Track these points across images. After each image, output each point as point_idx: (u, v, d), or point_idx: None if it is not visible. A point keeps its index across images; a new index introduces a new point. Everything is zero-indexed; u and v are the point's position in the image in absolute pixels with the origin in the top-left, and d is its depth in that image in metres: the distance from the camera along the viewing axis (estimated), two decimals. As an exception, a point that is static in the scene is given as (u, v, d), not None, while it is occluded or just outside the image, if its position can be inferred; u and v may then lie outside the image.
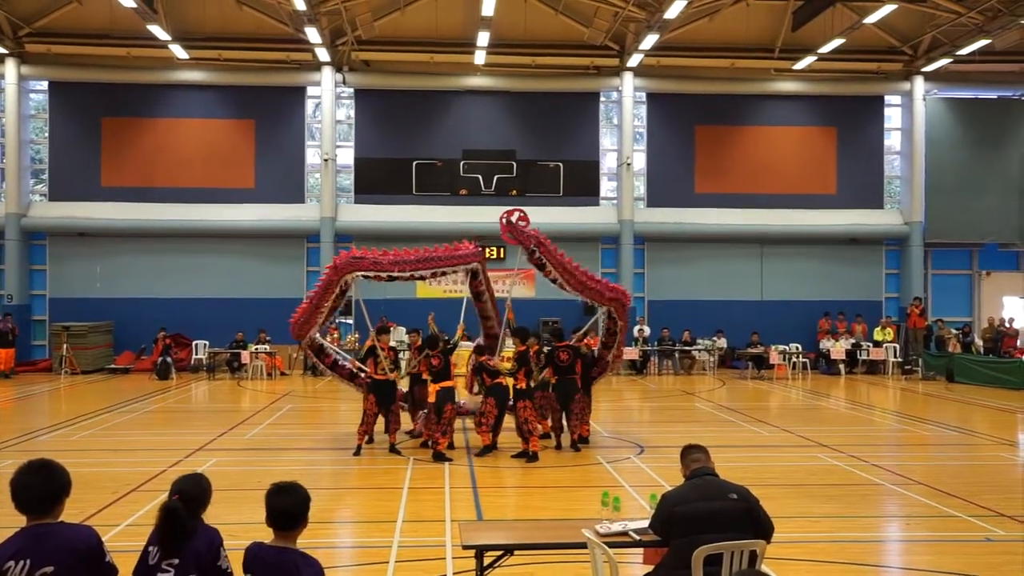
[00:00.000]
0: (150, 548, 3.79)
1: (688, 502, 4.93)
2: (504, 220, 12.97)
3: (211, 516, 4.08)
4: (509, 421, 12.63)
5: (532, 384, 12.32)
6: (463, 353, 16.12)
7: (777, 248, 27.24)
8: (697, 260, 27.15)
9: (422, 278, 13.20)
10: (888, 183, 28.13)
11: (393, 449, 12.28)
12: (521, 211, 13.01)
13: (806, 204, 26.99)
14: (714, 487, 5.02)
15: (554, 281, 13.24)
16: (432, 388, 12.27)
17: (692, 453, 5.30)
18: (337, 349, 14.32)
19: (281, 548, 3.85)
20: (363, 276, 12.56)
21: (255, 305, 25.53)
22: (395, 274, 12.49)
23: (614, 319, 13.59)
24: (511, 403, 12.35)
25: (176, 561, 3.73)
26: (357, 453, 12.07)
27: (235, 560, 3.89)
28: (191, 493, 3.89)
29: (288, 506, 3.87)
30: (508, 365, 12.49)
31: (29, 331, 25.61)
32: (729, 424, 15.50)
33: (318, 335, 13.72)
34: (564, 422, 12.85)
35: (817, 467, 11.48)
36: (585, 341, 13.95)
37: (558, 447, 12.64)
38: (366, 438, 12.33)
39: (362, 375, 13.13)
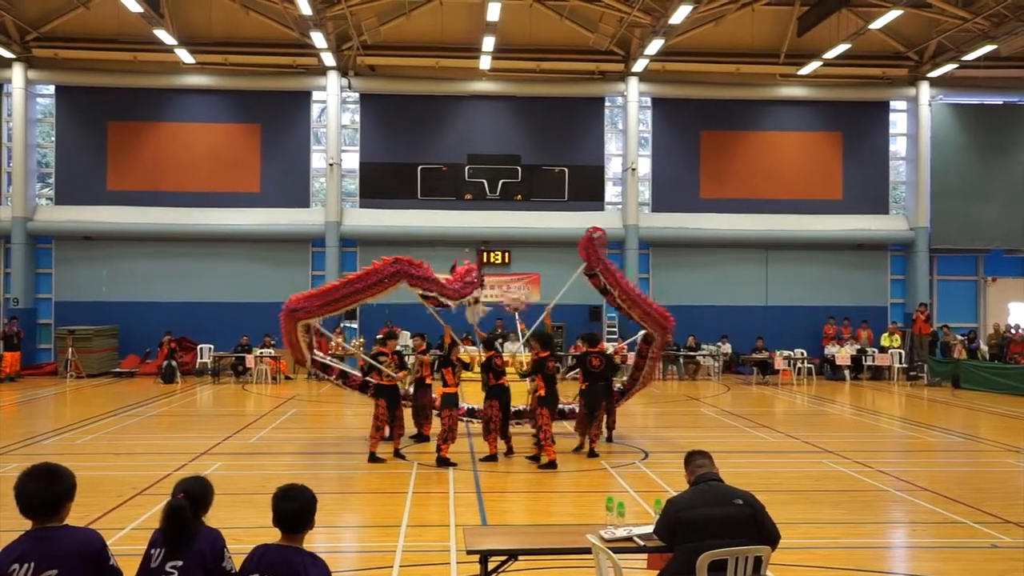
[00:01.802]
0: (152, 551, 3.80)
1: (693, 507, 4.92)
2: (588, 235, 13.11)
3: (216, 519, 4.08)
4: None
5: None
6: (478, 356, 16.16)
7: (782, 253, 27.20)
8: (702, 265, 27.12)
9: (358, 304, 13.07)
10: (894, 188, 28.09)
11: (397, 454, 12.27)
12: (602, 231, 13.20)
13: (811, 209, 26.97)
14: (720, 493, 5.01)
15: (617, 306, 13.56)
16: (438, 391, 12.34)
17: (696, 459, 5.29)
18: (339, 362, 14.46)
19: (289, 548, 3.86)
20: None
21: (260, 309, 25.51)
22: (331, 314, 12.80)
23: (648, 342, 13.81)
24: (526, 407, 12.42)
25: (180, 563, 3.74)
26: (373, 460, 11.95)
27: (239, 563, 3.89)
28: (195, 493, 3.90)
29: (295, 509, 3.90)
30: (524, 368, 12.54)
31: (35, 335, 25.67)
32: (734, 430, 15.48)
33: (319, 354, 13.88)
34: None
35: (822, 473, 11.46)
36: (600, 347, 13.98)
37: (579, 449, 12.69)
38: (378, 444, 12.26)
39: (370, 383, 13.15)
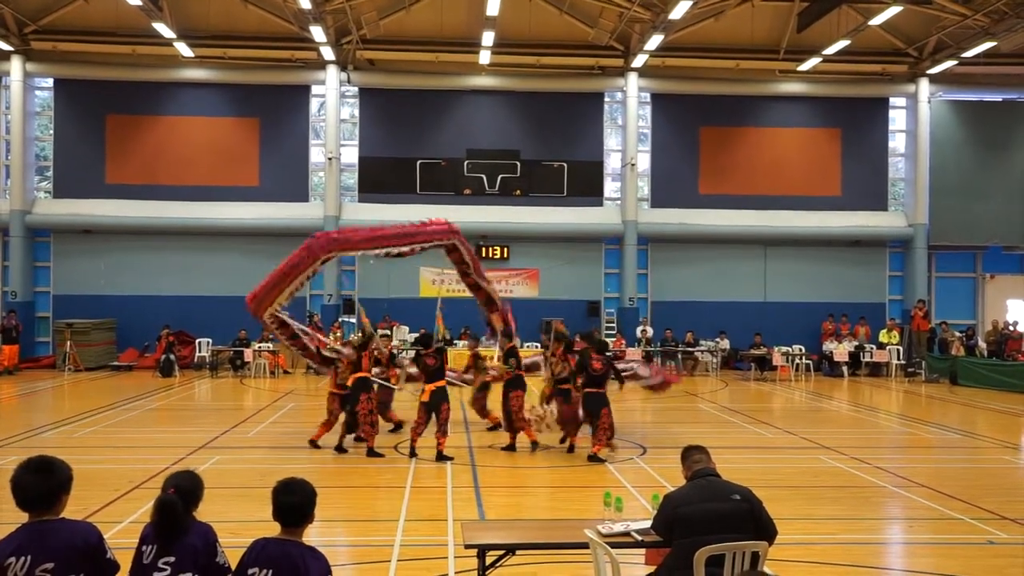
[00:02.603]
0: (144, 547, 3.78)
1: (691, 503, 4.92)
2: (669, 382, 14.78)
3: (214, 513, 4.08)
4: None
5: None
6: (463, 353, 16.27)
7: (781, 249, 27.20)
8: (701, 261, 27.11)
9: (400, 255, 13.32)
10: (892, 185, 28.08)
11: (340, 448, 12.31)
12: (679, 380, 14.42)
13: (810, 206, 26.95)
14: (717, 488, 5.00)
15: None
16: (427, 388, 11.99)
17: (693, 454, 5.28)
18: (299, 325, 14.33)
19: (289, 542, 3.86)
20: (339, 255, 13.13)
21: (258, 303, 25.50)
22: (368, 252, 12.96)
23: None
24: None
25: (172, 559, 3.73)
26: (372, 455, 12.03)
27: (235, 557, 3.89)
28: (185, 487, 3.89)
29: (295, 503, 3.89)
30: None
31: (33, 328, 25.64)
32: (732, 425, 15.49)
33: (283, 312, 13.59)
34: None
35: (820, 469, 11.47)
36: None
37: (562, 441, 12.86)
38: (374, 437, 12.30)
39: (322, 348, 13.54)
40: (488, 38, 23.39)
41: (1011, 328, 25.21)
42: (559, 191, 26.47)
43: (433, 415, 11.83)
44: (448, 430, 11.89)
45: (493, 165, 26.40)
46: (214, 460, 11.47)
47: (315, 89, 26.54)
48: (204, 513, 3.98)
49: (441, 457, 11.62)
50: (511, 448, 12.43)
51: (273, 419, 15.62)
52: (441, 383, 12.00)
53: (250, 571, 3.78)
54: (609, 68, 26.49)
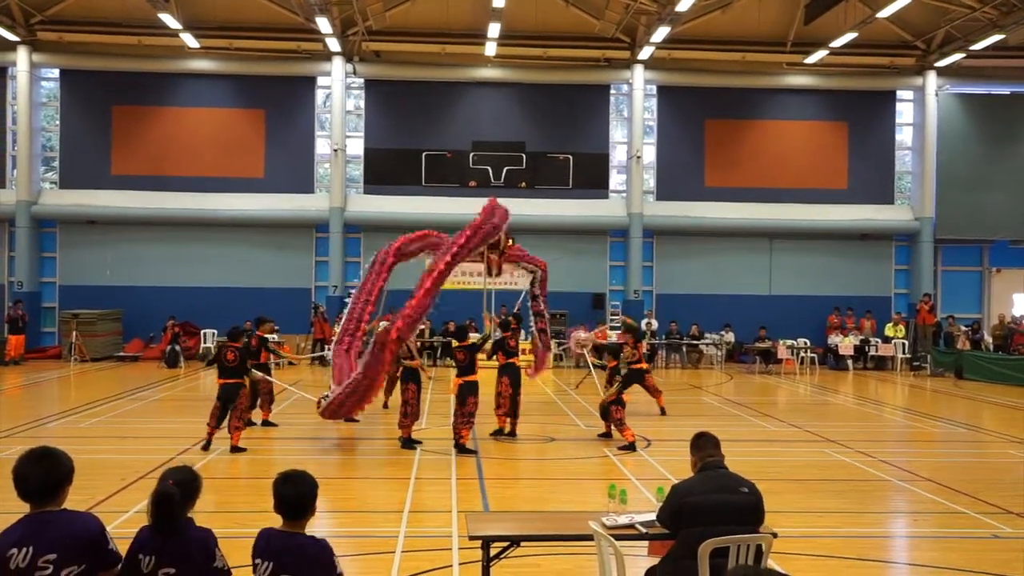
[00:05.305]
0: (141, 556, 3.70)
1: (698, 493, 4.91)
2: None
3: (220, 504, 4.08)
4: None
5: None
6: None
7: (786, 243, 27.15)
8: (706, 254, 27.07)
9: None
10: (899, 178, 27.99)
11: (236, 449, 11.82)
12: None
13: (816, 199, 26.88)
14: (726, 480, 4.99)
15: None
16: (455, 382, 12.16)
17: (706, 447, 5.17)
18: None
19: (293, 533, 3.86)
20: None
21: (264, 294, 25.59)
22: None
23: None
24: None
25: (172, 571, 3.66)
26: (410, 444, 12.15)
27: (244, 548, 3.87)
28: (183, 479, 3.82)
29: (296, 494, 3.87)
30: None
31: (39, 318, 25.71)
32: (736, 418, 15.48)
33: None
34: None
35: (824, 462, 11.47)
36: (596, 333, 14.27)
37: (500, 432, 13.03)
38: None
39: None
40: (494, 30, 23.34)
41: (1018, 322, 25.15)
42: (564, 183, 26.43)
43: (457, 405, 11.97)
44: (471, 423, 11.87)
45: (498, 157, 26.35)
46: (219, 451, 11.50)
47: (321, 80, 26.52)
48: (211, 503, 4.00)
49: (463, 450, 11.63)
50: (500, 432, 12.88)
51: (278, 410, 15.62)
52: (471, 377, 12.01)
53: (255, 561, 3.80)
54: (615, 60, 26.42)
